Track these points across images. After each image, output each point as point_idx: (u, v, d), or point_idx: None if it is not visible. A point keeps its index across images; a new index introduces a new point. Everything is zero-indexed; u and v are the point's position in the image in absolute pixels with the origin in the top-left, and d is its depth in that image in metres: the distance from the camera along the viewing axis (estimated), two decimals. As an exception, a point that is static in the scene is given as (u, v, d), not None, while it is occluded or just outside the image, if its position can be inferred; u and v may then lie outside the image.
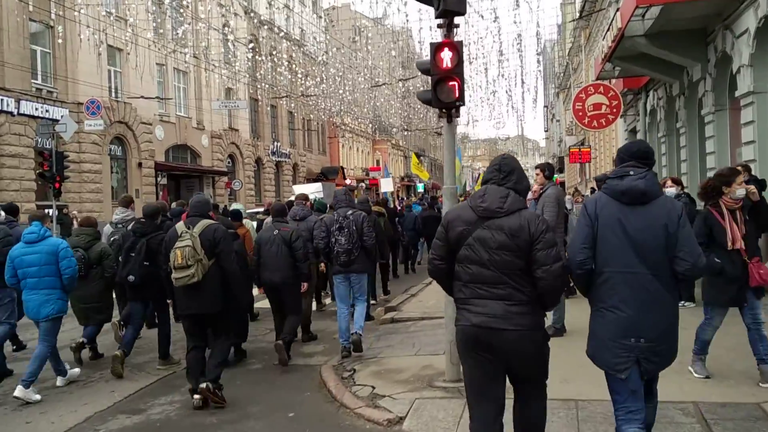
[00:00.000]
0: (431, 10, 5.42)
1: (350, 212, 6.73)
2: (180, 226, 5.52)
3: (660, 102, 14.36)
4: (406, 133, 57.90)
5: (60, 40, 20.03)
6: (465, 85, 5.65)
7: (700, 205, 6.44)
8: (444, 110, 5.47)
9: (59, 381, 6.23)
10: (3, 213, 8.14)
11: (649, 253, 3.13)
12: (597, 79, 15.07)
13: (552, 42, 59.89)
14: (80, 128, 20.41)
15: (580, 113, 16.30)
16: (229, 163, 33.83)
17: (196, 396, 5.38)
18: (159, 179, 27.16)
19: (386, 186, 38.69)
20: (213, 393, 5.35)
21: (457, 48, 5.31)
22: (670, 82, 12.75)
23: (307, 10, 45.19)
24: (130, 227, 7.07)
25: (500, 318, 3.08)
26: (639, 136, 16.41)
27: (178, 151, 29.53)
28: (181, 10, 26.79)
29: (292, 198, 11.86)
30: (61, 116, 20.03)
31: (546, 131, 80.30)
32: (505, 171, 3.28)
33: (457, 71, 5.30)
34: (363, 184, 53.94)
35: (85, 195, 22.80)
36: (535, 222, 3.12)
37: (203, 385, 5.33)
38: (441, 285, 3.55)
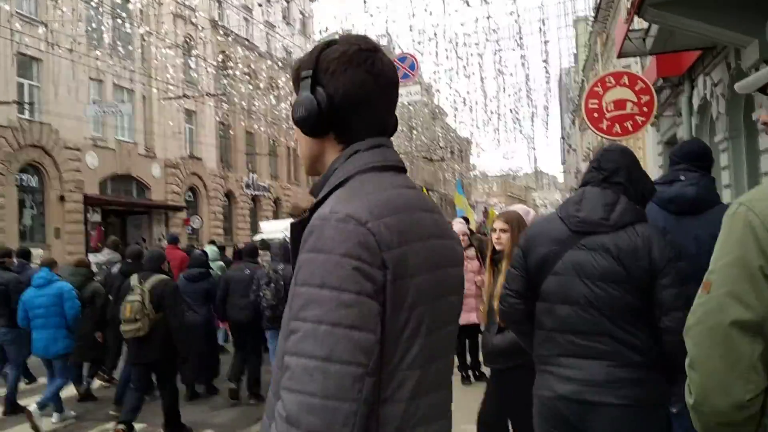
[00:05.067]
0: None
1: (281, 267, 6.67)
2: (133, 278, 5.87)
3: (717, 89, 9.46)
4: (410, 165, 53.53)
5: None
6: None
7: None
8: None
9: (54, 417, 6.60)
10: (15, 260, 8.34)
11: (700, 271, 2.01)
12: (619, 56, 10.27)
13: (566, 69, 55.75)
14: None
15: (596, 114, 11.47)
16: (189, 196, 29.30)
17: None
18: (89, 215, 22.60)
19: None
20: None
21: None
22: (738, 46, 7.84)
23: (293, 31, 41.24)
24: (116, 269, 7.66)
25: (601, 387, 2.18)
26: (681, 145, 11.44)
27: (120, 183, 25.01)
28: (124, 15, 22.66)
29: (259, 237, 11.38)
30: None
31: (563, 164, 75.71)
32: (607, 168, 2.38)
33: None
34: (360, 221, 49.50)
35: (-24, 235, 18.27)
36: (659, 243, 2.24)
37: None
38: (517, 333, 2.64)
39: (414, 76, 11.68)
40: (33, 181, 20.90)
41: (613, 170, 2.37)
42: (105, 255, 9.01)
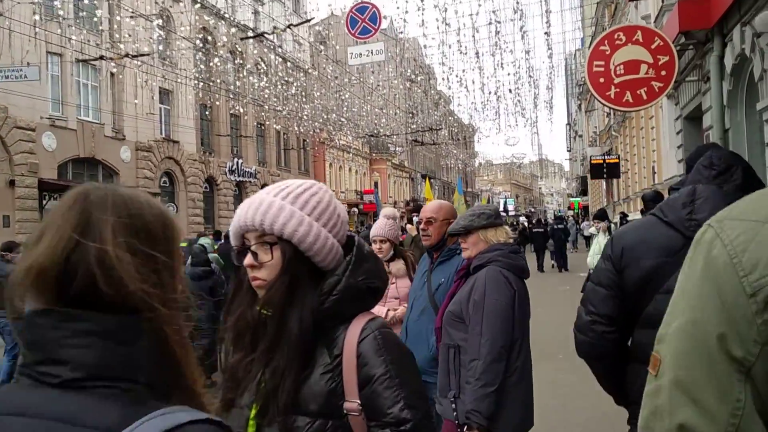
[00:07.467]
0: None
1: None
2: None
3: (760, 41, 7.31)
4: (400, 149, 51.26)
5: None
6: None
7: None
8: None
9: None
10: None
11: None
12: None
13: (572, 53, 53.19)
14: None
15: (602, 79, 9.48)
16: (164, 182, 27.25)
17: None
18: (45, 202, 20.60)
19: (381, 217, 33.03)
20: None
21: None
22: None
23: (285, 10, 39.02)
24: None
25: None
26: (711, 121, 9.39)
27: (82, 167, 22.95)
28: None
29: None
30: None
31: (569, 150, 73.31)
32: (719, 166, 2.04)
33: None
34: (355, 209, 47.42)
35: None
36: None
37: None
38: (601, 372, 2.09)
39: (375, 31, 9.42)
40: (-22, 164, 18.90)
41: (724, 168, 2.02)
42: None
